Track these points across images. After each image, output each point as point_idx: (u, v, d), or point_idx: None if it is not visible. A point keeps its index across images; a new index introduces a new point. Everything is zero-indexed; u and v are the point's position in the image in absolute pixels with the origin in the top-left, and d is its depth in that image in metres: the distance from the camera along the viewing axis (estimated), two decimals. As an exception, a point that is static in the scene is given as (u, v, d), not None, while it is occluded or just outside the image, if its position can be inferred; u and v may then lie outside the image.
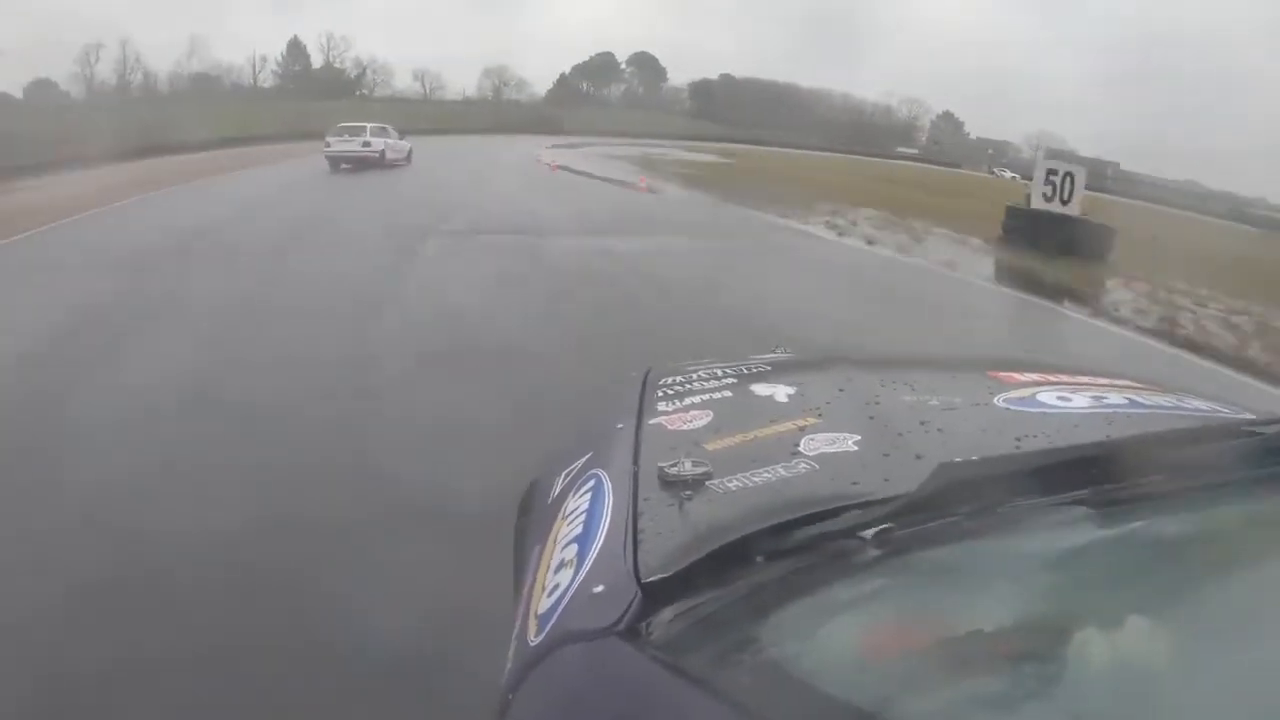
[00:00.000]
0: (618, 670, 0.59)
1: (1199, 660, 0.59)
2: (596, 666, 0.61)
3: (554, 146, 28.34)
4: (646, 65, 46.53)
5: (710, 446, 0.90)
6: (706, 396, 1.08)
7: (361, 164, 17.47)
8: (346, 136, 17.81)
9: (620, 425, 1.01)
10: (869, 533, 0.67)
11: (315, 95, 37.41)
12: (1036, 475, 0.72)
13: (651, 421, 1.00)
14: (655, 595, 0.62)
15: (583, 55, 47.26)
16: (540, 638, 0.67)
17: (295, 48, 43.69)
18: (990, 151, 42.89)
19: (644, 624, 0.60)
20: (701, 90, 44.21)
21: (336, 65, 43.59)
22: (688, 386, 1.13)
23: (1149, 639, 0.57)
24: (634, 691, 0.58)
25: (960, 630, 0.59)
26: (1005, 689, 0.55)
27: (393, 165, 18.41)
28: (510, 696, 0.65)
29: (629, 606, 0.62)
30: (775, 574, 0.65)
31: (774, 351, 1.40)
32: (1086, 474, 0.74)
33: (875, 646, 0.61)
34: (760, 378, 1.15)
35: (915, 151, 44.29)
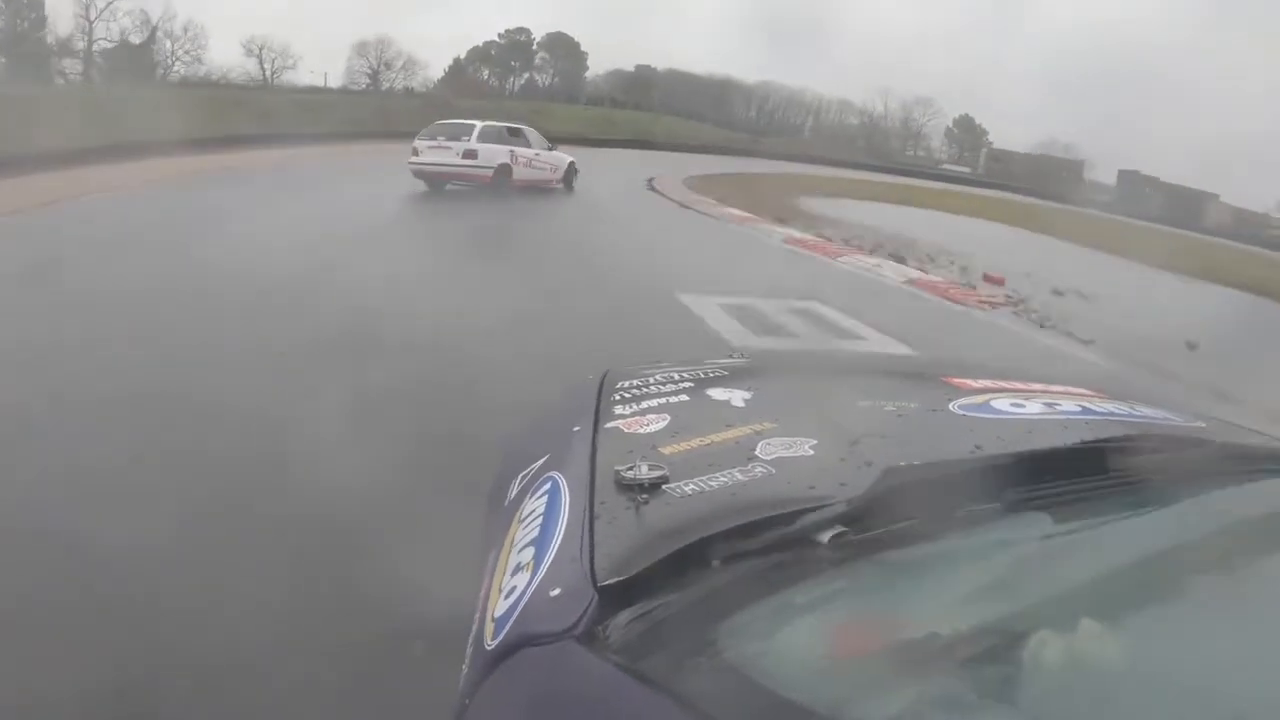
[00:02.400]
0: (575, 674, 0.59)
1: (1150, 659, 0.62)
2: (553, 670, 0.60)
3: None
4: (563, 50, 35.36)
5: (667, 450, 0.89)
6: (663, 400, 1.08)
7: (470, 184, 11.19)
8: (442, 141, 11.28)
9: (577, 428, 1.00)
10: (825, 536, 0.68)
11: (69, 77, 21.70)
12: (984, 479, 0.74)
13: (608, 425, 1.00)
14: (612, 599, 0.62)
15: (477, 37, 34.82)
16: (497, 641, 0.66)
17: (22, -7, 21.62)
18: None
19: (601, 627, 0.60)
20: (627, 82, 34.83)
21: (100, 28, 24.66)
22: (645, 390, 1.12)
23: (1100, 639, 0.59)
24: (591, 695, 0.58)
25: (916, 633, 0.60)
26: (960, 691, 0.56)
27: (537, 192, 11.87)
28: (467, 701, 0.64)
29: (586, 610, 0.62)
30: (732, 578, 0.65)
31: (731, 357, 1.41)
32: (1035, 478, 0.77)
33: (832, 649, 0.61)
34: (717, 382, 1.15)
35: (966, 171, 33.24)
